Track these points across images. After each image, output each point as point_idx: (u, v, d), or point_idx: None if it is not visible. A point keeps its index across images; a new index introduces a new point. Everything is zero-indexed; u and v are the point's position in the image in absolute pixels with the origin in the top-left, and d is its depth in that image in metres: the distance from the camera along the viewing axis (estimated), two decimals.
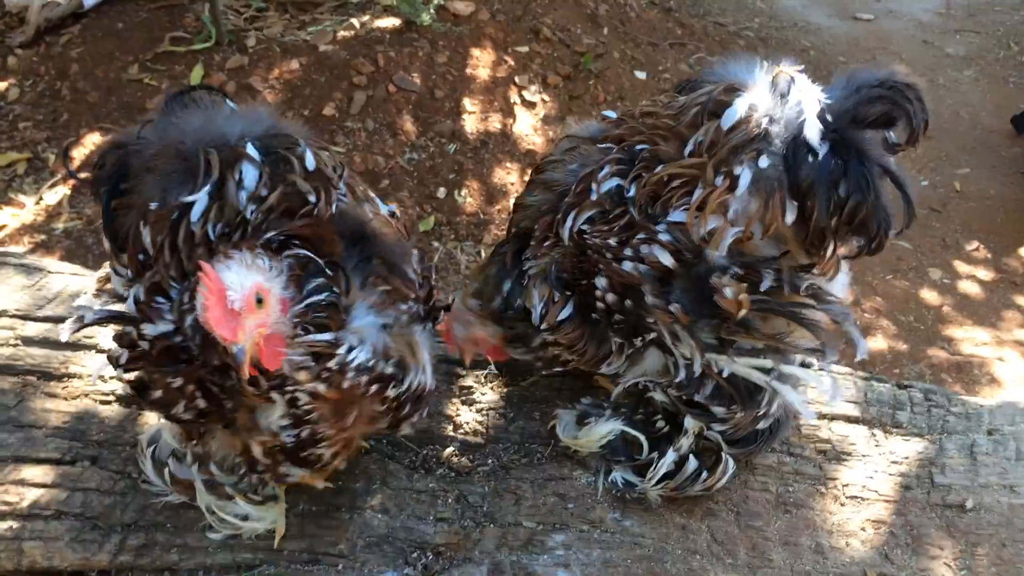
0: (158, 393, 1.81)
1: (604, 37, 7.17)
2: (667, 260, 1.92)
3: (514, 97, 6.41)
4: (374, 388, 1.79)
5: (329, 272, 1.72)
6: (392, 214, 2.07)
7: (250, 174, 1.78)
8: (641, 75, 6.98)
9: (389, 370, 1.80)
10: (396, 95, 6.10)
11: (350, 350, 1.73)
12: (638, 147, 2.01)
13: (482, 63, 6.46)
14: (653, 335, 2.04)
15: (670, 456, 2.09)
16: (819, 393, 2.04)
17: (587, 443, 2.20)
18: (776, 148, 1.85)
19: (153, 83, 6.04)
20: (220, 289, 1.55)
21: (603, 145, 2.11)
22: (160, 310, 1.76)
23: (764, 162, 1.84)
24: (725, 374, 1.97)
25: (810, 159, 1.82)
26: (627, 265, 1.96)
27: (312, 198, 1.79)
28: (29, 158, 5.73)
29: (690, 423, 2.09)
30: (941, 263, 5.95)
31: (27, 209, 5.42)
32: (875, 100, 1.85)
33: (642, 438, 2.14)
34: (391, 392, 1.82)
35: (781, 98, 1.86)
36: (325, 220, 1.80)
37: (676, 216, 1.92)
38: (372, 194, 2.08)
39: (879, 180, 1.83)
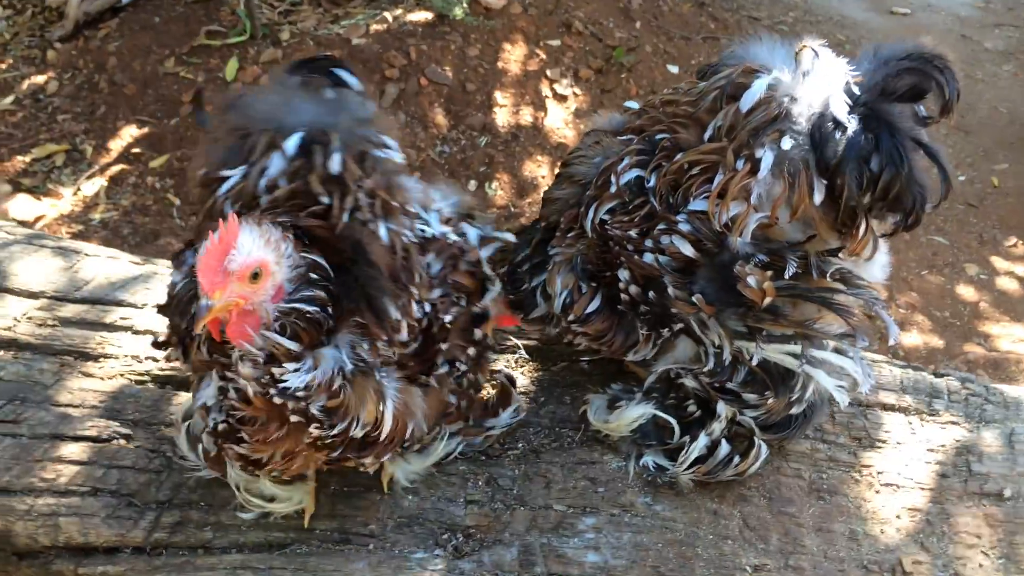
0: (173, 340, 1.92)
1: (636, 31, 7.15)
2: (688, 250, 1.90)
3: (545, 90, 6.41)
4: (296, 419, 1.74)
5: (331, 288, 1.70)
6: (456, 248, 1.96)
7: (275, 164, 1.80)
8: (674, 69, 6.95)
9: (314, 410, 1.72)
10: (428, 88, 6.12)
11: (295, 371, 1.68)
12: (658, 136, 1.99)
13: (514, 57, 6.46)
14: (681, 325, 2.03)
15: (702, 440, 2.07)
16: (852, 378, 2.00)
17: (618, 427, 2.19)
18: (800, 127, 1.81)
19: (189, 76, 6.12)
20: (227, 244, 1.56)
21: (623, 137, 2.10)
22: (182, 263, 1.89)
23: (787, 143, 1.80)
24: (755, 361, 1.95)
25: (837, 135, 1.79)
26: (647, 257, 1.95)
27: (325, 200, 1.77)
28: (67, 149, 5.82)
29: (723, 409, 2.07)
30: (978, 259, 5.87)
31: (65, 200, 5.51)
32: (904, 72, 1.81)
33: (673, 422, 2.12)
34: (314, 431, 1.76)
35: (803, 76, 1.82)
36: (339, 228, 1.77)
37: (696, 205, 1.89)
38: (427, 213, 2.00)
39: (912, 153, 1.78)
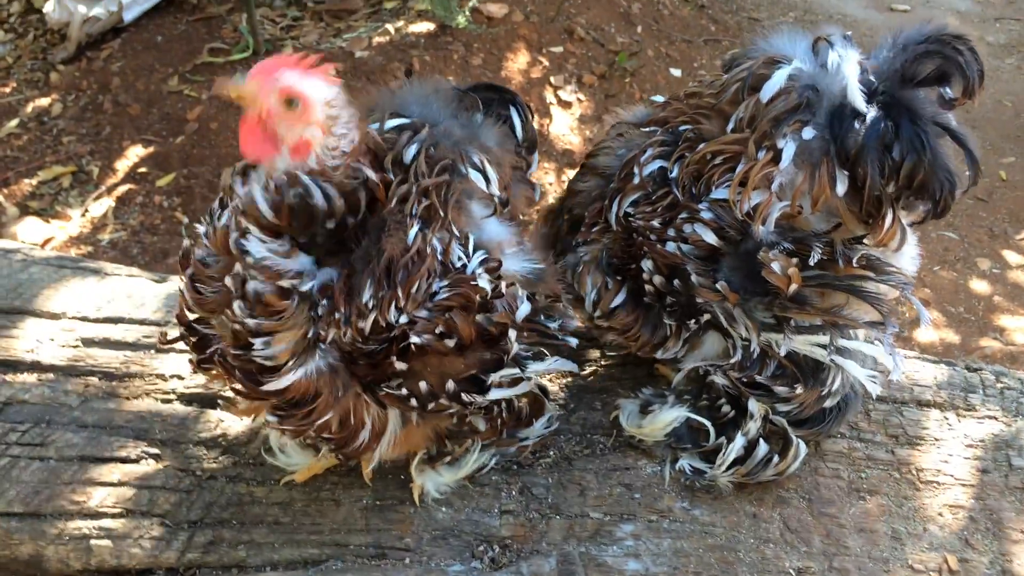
0: None
1: (638, 35, 7.15)
2: (710, 238, 1.90)
3: (550, 97, 6.40)
4: (227, 285, 1.71)
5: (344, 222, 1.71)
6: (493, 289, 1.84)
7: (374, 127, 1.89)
8: (676, 72, 6.95)
9: (251, 288, 1.68)
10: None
11: (261, 242, 1.67)
12: (681, 128, 2.00)
13: (517, 64, 6.46)
14: (707, 317, 2.01)
15: (739, 441, 2.05)
16: (884, 367, 1.98)
17: (652, 431, 2.17)
18: (821, 118, 1.81)
19: (193, 94, 6.11)
20: (299, 66, 1.63)
21: (647, 128, 2.11)
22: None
23: (808, 133, 1.80)
24: (784, 352, 1.93)
25: (856, 125, 1.78)
26: (670, 246, 1.95)
27: (370, 174, 1.77)
28: (74, 171, 5.80)
29: (754, 406, 2.05)
30: (989, 253, 5.84)
31: (73, 221, 5.49)
32: (924, 56, 1.80)
33: (708, 424, 2.10)
34: (233, 311, 1.71)
35: (822, 66, 1.82)
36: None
37: (719, 194, 1.90)
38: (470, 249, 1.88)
39: (935, 139, 1.77)
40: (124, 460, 2.19)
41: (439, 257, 1.79)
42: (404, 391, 1.82)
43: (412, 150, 1.86)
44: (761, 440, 2.05)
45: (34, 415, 2.27)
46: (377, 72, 6.11)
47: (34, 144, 5.99)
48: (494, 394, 1.92)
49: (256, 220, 1.67)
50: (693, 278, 1.94)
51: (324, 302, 1.73)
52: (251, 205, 1.66)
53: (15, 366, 2.41)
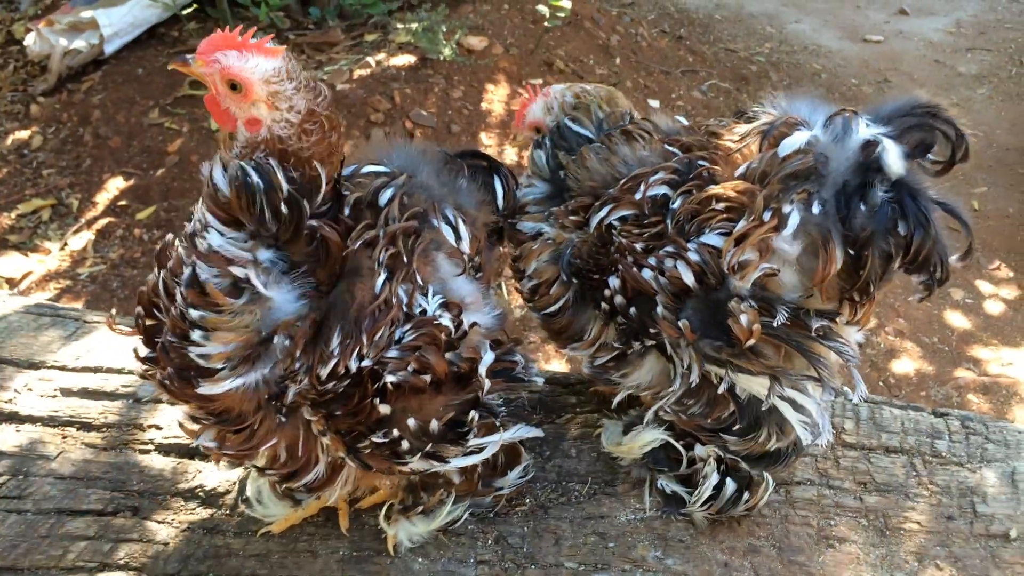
0: None
1: (616, 67, 7.23)
2: (689, 279, 1.91)
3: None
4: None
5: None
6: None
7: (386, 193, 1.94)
8: (654, 103, 7.02)
9: (202, 275, 1.70)
10: (413, 131, 6.15)
11: (218, 232, 1.70)
12: (699, 161, 2.01)
13: (497, 97, 6.51)
14: (653, 343, 2.05)
15: (713, 478, 2.11)
16: (812, 423, 2.03)
17: (630, 449, 2.22)
18: (827, 193, 1.81)
19: (174, 127, 6.13)
20: (241, 47, 1.66)
21: (669, 147, 2.11)
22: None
23: (816, 208, 1.80)
24: (723, 388, 1.97)
25: (862, 207, 1.79)
26: (646, 273, 1.96)
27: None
28: (53, 204, 5.81)
29: (701, 450, 2.13)
30: (962, 283, 5.92)
31: (52, 255, 5.48)
32: (911, 129, 1.83)
33: (682, 450, 2.15)
34: (175, 302, 1.74)
35: (835, 140, 1.82)
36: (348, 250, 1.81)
37: (711, 239, 1.91)
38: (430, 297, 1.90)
39: (935, 214, 1.79)
40: (101, 513, 2.20)
41: (404, 308, 1.82)
42: (388, 439, 1.83)
43: (387, 194, 1.92)
44: (728, 479, 2.11)
45: (12, 467, 2.28)
46: (358, 105, 6.15)
47: (13, 177, 6.00)
48: (466, 461, 1.95)
49: (215, 201, 1.69)
50: (659, 310, 1.96)
51: (286, 342, 1.74)
52: (210, 184, 1.69)
53: None
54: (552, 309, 2.22)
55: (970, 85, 8.17)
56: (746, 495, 2.11)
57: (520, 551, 2.15)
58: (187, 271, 1.71)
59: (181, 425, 1.88)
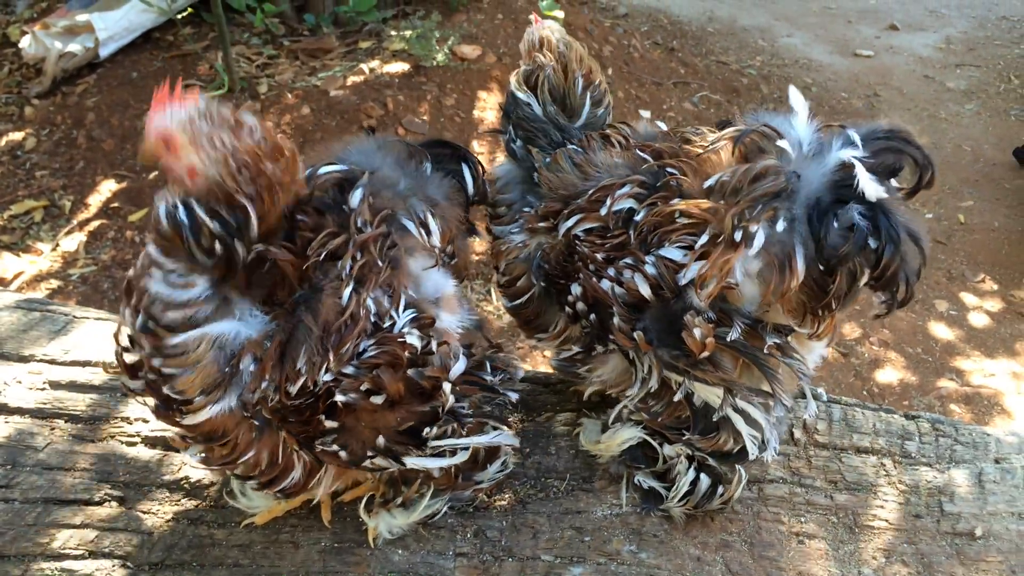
0: None
1: (609, 77, 7.30)
2: (645, 291, 1.93)
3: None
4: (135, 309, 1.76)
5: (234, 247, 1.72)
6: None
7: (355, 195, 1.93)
8: (646, 114, 7.09)
9: (156, 315, 1.73)
10: (405, 138, 6.19)
11: (165, 276, 1.72)
12: (668, 168, 2.00)
13: (489, 105, 6.57)
14: (615, 347, 2.10)
15: (690, 475, 2.16)
16: (762, 438, 2.09)
17: (608, 447, 2.26)
18: (798, 209, 1.82)
19: None
20: (168, 105, 1.66)
21: (641, 152, 2.10)
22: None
23: (780, 225, 1.81)
24: (680, 395, 2.02)
25: (835, 224, 1.80)
26: (605, 283, 1.99)
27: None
28: (46, 205, 5.85)
29: (669, 449, 2.18)
30: (947, 295, 6.00)
31: (44, 256, 5.52)
32: (881, 151, 1.85)
33: (659, 448, 2.20)
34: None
35: (811, 156, 1.84)
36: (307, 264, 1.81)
37: (670, 252, 1.91)
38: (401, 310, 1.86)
39: (903, 232, 1.80)
40: (87, 502, 2.24)
41: (372, 318, 1.81)
42: (335, 447, 1.86)
43: (356, 195, 1.90)
44: (702, 474, 2.16)
45: (0, 457, 2.32)
46: (351, 111, 6.20)
47: (7, 178, 6.04)
48: (427, 462, 1.98)
49: (158, 232, 1.71)
50: (615, 320, 1.99)
51: (251, 366, 1.77)
52: (154, 217, 1.72)
53: None
54: (519, 301, 2.28)
55: (959, 100, 8.26)
56: (720, 488, 2.16)
57: (498, 544, 2.20)
58: (139, 318, 1.75)
59: (172, 440, 1.92)
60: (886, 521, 2.25)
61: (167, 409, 1.81)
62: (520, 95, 2.32)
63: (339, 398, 1.78)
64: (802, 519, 2.25)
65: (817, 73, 8.47)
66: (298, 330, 1.77)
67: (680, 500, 2.19)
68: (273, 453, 1.88)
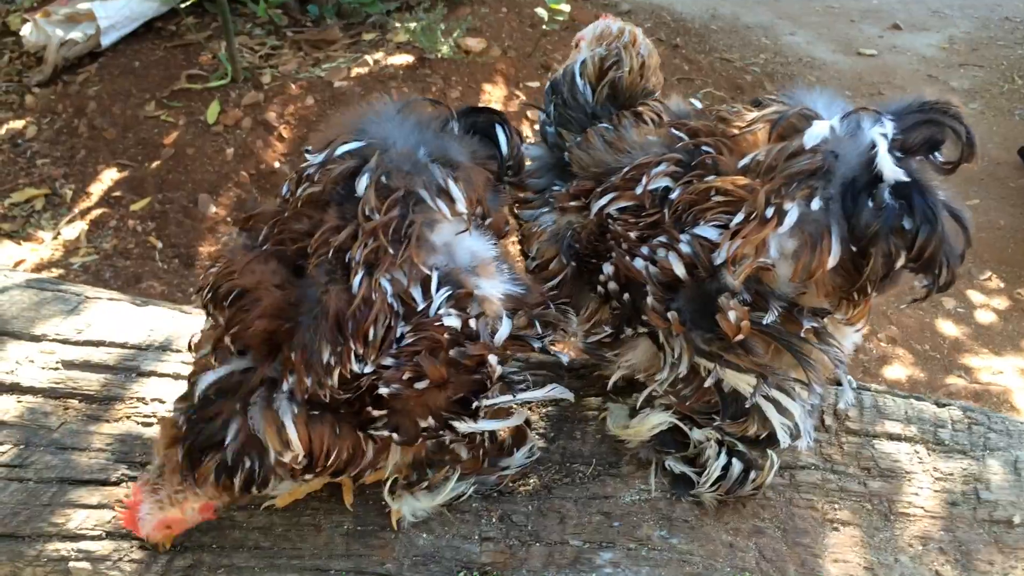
0: None
1: None
2: (680, 270, 1.89)
3: (527, 131, 6.47)
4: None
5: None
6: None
7: (315, 159, 1.94)
8: None
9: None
10: None
11: None
12: (704, 147, 1.96)
13: (494, 98, 6.53)
14: (645, 330, 2.05)
15: (722, 459, 2.11)
16: (793, 426, 2.05)
17: (637, 432, 2.21)
18: (833, 189, 1.78)
19: (170, 120, 6.11)
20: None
21: (676, 131, 2.05)
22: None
23: (815, 204, 1.77)
24: (710, 381, 1.98)
25: (869, 203, 1.75)
26: (638, 263, 1.95)
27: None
28: (47, 194, 5.78)
29: (698, 434, 2.13)
30: (954, 292, 5.96)
31: (45, 244, 5.45)
32: (919, 125, 1.78)
33: (689, 432, 2.15)
34: None
35: (850, 136, 1.79)
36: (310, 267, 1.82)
37: (705, 231, 1.87)
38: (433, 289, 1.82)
39: (942, 212, 1.74)
40: (103, 482, 2.18)
41: (390, 299, 1.77)
42: (386, 432, 1.86)
43: (363, 182, 1.83)
44: (734, 459, 2.11)
45: (13, 436, 2.26)
46: (356, 102, 6.15)
47: (7, 166, 5.96)
48: (484, 424, 1.95)
49: None
50: (648, 300, 1.94)
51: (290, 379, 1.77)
52: None
53: None
54: (551, 284, 2.21)
55: (962, 100, 8.22)
56: (753, 474, 2.11)
57: (525, 529, 2.15)
58: None
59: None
60: (921, 508, 2.20)
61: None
62: (577, 78, 2.28)
63: (383, 390, 1.77)
64: (836, 506, 2.20)
65: (820, 71, 8.43)
66: (313, 326, 1.75)
67: (712, 485, 2.14)
68: (356, 446, 1.88)
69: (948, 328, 5.65)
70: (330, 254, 1.79)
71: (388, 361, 1.77)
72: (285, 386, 1.77)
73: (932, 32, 9.34)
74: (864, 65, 8.69)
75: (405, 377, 1.77)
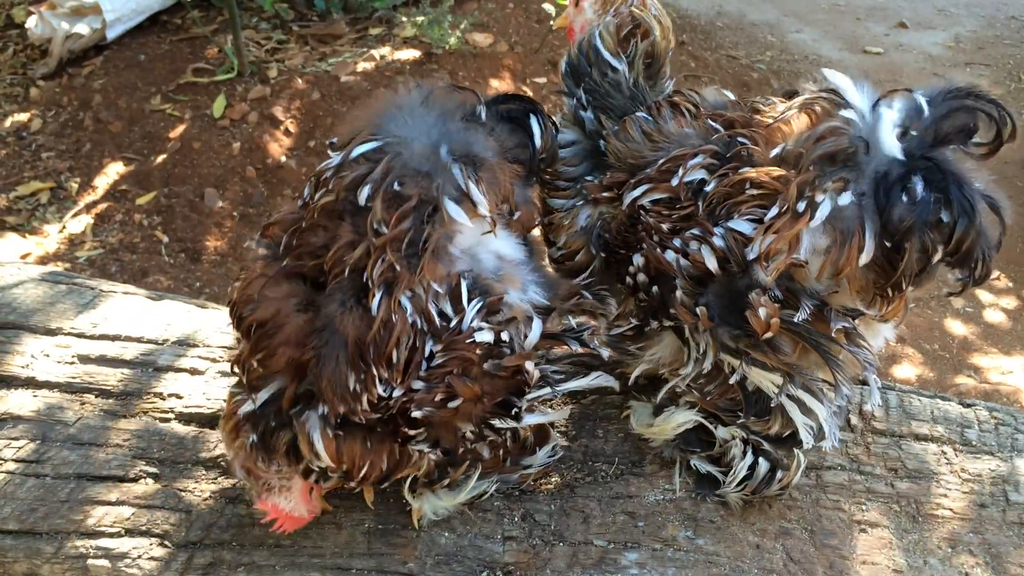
0: None
1: None
2: (712, 264, 1.85)
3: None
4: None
5: None
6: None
7: (335, 160, 1.87)
8: None
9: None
10: None
11: None
12: (739, 139, 1.91)
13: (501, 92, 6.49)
14: (671, 324, 2.01)
15: (748, 458, 2.07)
16: (816, 427, 2.01)
17: (662, 430, 2.18)
18: (866, 182, 1.73)
19: (176, 113, 6.08)
20: None
21: (712, 122, 2.00)
22: None
23: (845, 199, 1.73)
24: (734, 379, 1.95)
25: (903, 197, 1.69)
26: (669, 255, 1.91)
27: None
28: (52, 187, 5.74)
29: (723, 431, 2.09)
30: (963, 292, 5.93)
31: (50, 238, 5.42)
32: (953, 112, 1.73)
33: (715, 431, 2.12)
34: None
35: (878, 122, 1.73)
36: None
37: (739, 224, 1.82)
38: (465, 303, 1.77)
39: (980, 204, 1.69)
40: (122, 479, 2.15)
41: (411, 317, 1.71)
42: (425, 447, 1.86)
43: (364, 193, 1.73)
44: (760, 459, 2.08)
45: (29, 432, 2.23)
46: (362, 97, 6.12)
47: (12, 159, 5.93)
48: (528, 419, 1.96)
49: None
50: (677, 294, 1.91)
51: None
52: None
53: (9, 382, 2.37)
54: (580, 277, 2.16)
55: None
56: (779, 474, 2.08)
57: (548, 528, 2.12)
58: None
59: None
60: (950, 510, 2.18)
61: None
62: (606, 55, 2.15)
63: (415, 414, 1.76)
64: (863, 507, 2.18)
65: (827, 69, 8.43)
66: (335, 354, 1.70)
67: (738, 485, 2.11)
68: (392, 455, 1.87)
69: (957, 327, 5.63)
70: (345, 273, 1.72)
71: (418, 385, 1.74)
72: (320, 409, 1.75)
73: (938, 30, 9.32)
74: (870, 63, 8.66)
75: (437, 399, 1.75)
